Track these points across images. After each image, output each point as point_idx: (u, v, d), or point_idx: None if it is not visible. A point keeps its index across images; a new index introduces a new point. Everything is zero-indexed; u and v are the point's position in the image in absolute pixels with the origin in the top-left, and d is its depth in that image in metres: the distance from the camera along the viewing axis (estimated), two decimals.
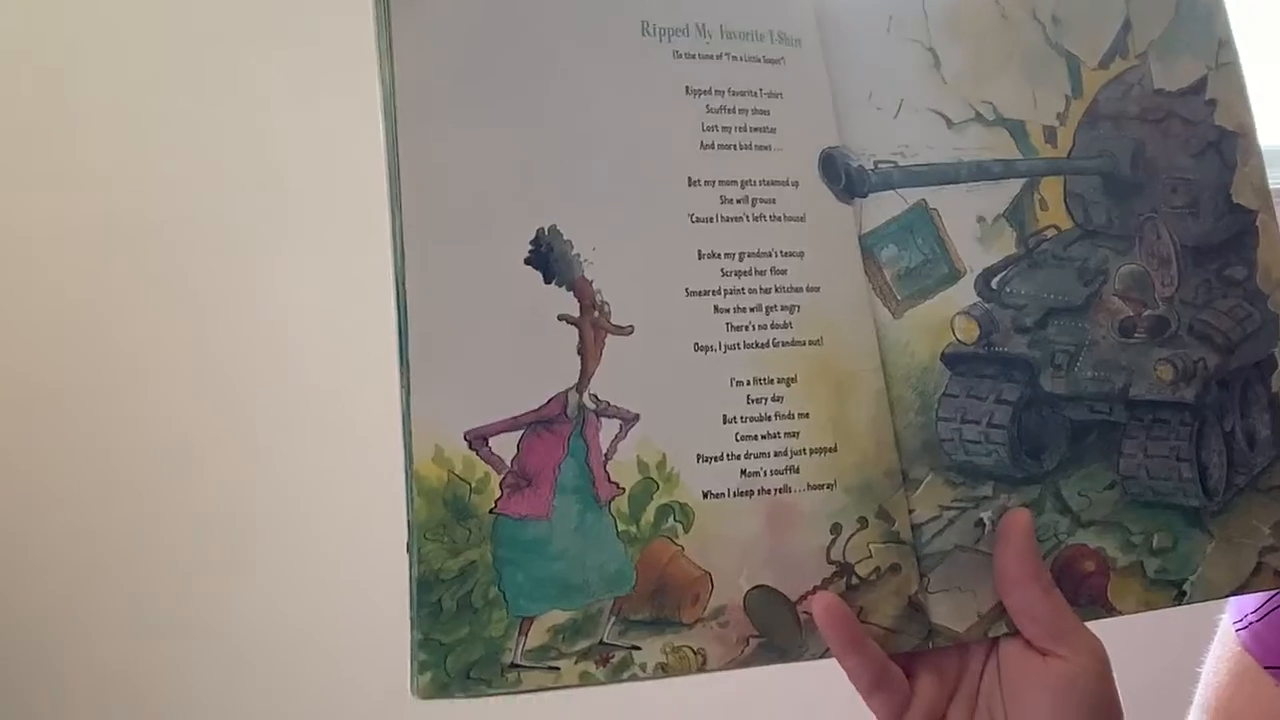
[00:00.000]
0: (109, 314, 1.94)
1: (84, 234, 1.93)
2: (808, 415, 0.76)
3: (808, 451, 0.76)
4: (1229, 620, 1.01)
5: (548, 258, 0.73)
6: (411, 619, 0.71)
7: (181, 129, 1.93)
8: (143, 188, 1.93)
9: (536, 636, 0.72)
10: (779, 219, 0.77)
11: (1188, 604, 0.82)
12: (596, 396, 0.73)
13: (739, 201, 0.77)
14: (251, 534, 1.97)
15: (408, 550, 0.71)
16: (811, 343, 0.77)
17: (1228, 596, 0.84)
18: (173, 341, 1.94)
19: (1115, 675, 0.77)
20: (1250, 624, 0.98)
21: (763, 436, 0.75)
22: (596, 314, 0.73)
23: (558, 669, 0.72)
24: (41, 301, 1.94)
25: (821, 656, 0.76)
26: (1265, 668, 0.97)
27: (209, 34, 1.93)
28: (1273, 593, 0.96)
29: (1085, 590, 0.80)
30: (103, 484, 1.96)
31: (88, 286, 1.95)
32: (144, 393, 1.93)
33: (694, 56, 0.78)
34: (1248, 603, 0.99)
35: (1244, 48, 0.89)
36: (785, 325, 0.76)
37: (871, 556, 0.77)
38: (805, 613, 0.75)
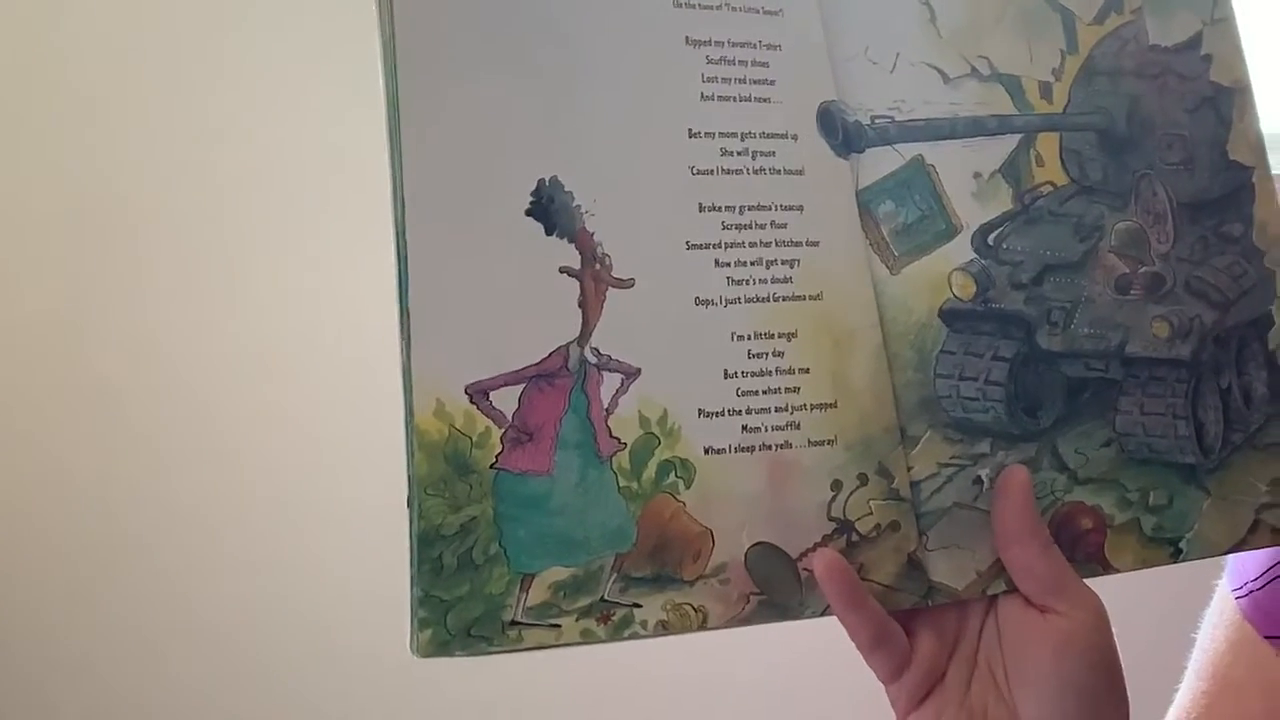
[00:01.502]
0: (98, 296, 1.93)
1: (71, 224, 1.92)
2: (808, 371, 0.76)
3: (808, 407, 0.76)
4: (1227, 586, 1.01)
5: (549, 209, 0.72)
6: (411, 576, 0.70)
7: (177, 91, 1.91)
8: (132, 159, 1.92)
9: (538, 593, 0.71)
10: (779, 172, 0.77)
11: (1184, 561, 0.82)
12: (598, 350, 0.72)
13: (739, 154, 0.76)
14: (251, 494, 1.95)
15: (408, 505, 0.70)
16: (812, 298, 0.76)
17: (1224, 554, 0.83)
18: (177, 293, 1.92)
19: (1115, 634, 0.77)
20: (1250, 591, 0.98)
21: (764, 392, 0.75)
22: (598, 266, 0.72)
23: (559, 626, 0.71)
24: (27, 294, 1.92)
25: (822, 614, 0.75)
26: (1265, 637, 0.97)
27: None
28: (1274, 560, 0.96)
29: (1082, 547, 0.80)
30: (104, 450, 1.94)
31: (74, 276, 1.93)
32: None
33: (694, 6, 0.77)
34: (1248, 569, 0.99)
35: (1240, 4, 0.88)
36: (786, 280, 0.76)
37: (872, 513, 0.76)
38: (806, 570, 0.75)
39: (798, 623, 0.77)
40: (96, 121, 1.93)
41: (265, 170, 1.93)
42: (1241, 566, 0.98)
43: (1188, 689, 1.00)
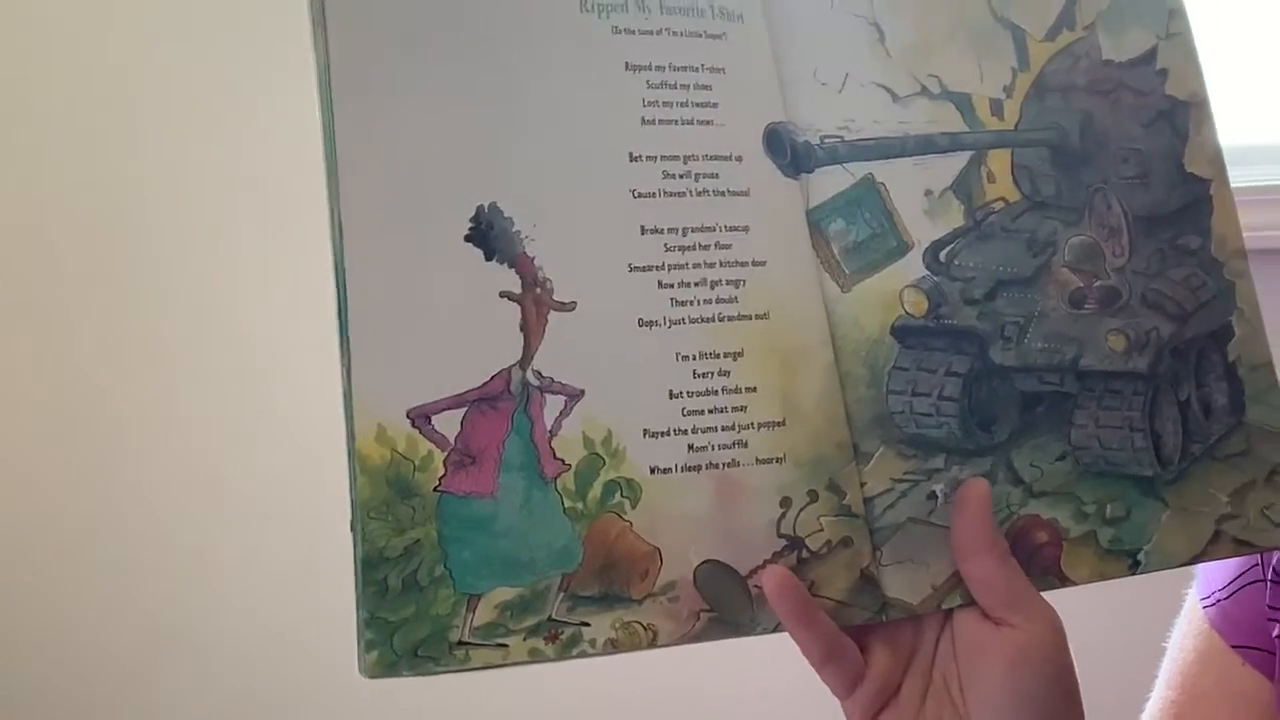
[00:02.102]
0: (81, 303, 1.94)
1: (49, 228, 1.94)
2: (755, 389, 0.76)
3: (756, 425, 0.76)
4: (1195, 596, 1.01)
5: (488, 235, 0.73)
6: (357, 598, 0.71)
7: (148, 122, 1.93)
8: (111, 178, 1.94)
9: (484, 614, 0.72)
10: (723, 194, 0.77)
11: (1143, 573, 0.82)
12: (540, 373, 0.73)
13: (681, 176, 0.77)
14: (198, 517, 1.96)
15: (351, 529, 0.71)
16: (758, 316, 0.77)
17: (1184, 565, 0.83)
18: (131, 331, 1.94)
19: (1078, 648, 0.77)
20: (1218, 601, 0.98)
21: (710, 411, 0.75)
22: (538, 290, 0.73)
23: (506, 646, 0.72)
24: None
25: (773, 631, 0.76)
26: (1233, 646, 0.97)
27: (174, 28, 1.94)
28: (1240, 570, 0.96)
29: (1038, 561, 0.80)
30: (69, 469, 1.96)
31: (56, 280, 1.95)
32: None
33: (634, 32, 0.78)
34: (1215, 579, 0.99)
35: (1196, 17, 0.89)
36: (731, 300, 0.76)
37: (822, 530, 0.77)
38: (756, 587, 0.75)
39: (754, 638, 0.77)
40: (85, 125, 1.94)
41: (240, 176, 1.94)
42: (1210, 577, 0.98)
43: (1157, 698, 1.00)
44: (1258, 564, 0.96)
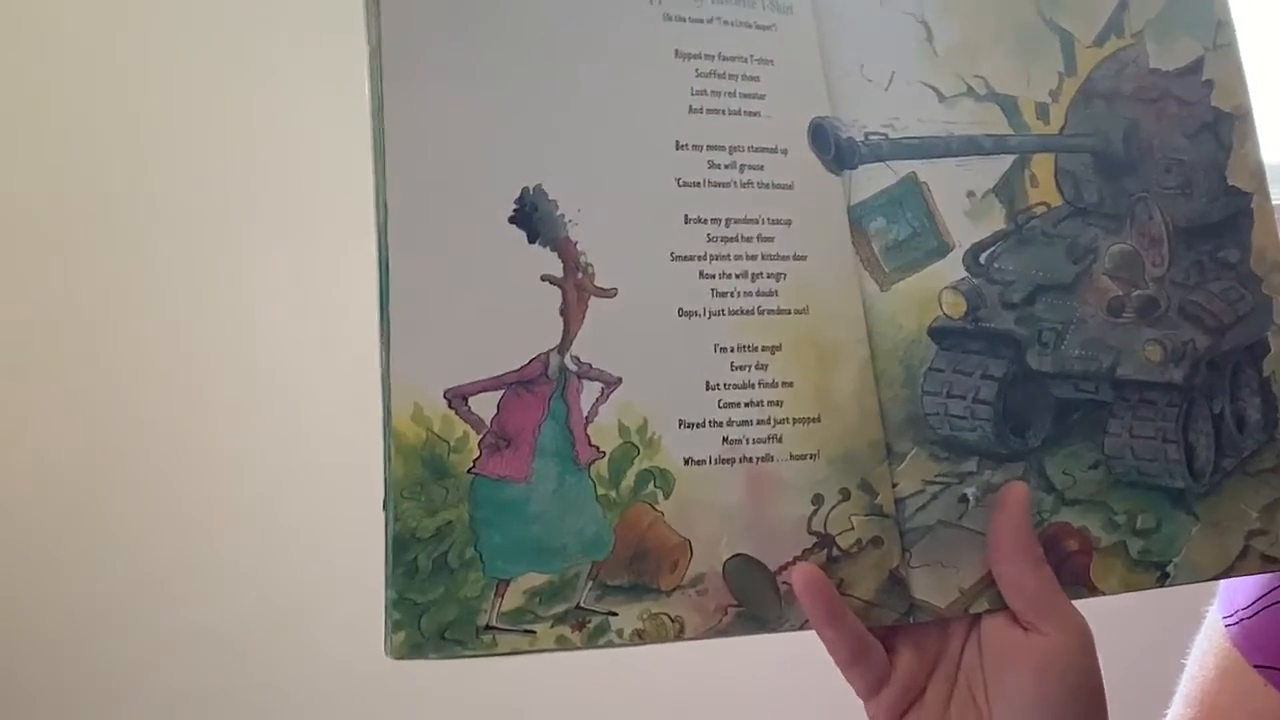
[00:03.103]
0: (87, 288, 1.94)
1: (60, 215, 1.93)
2: (792, 384, 0.76)
3: (791, 421, 0.76)
4: (1217, 613, 1.00)
5: (532, 217, 0.72)
6: (386, 578, 0.70)
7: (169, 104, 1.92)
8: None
9: (512, 599, 0.71)
10: (767, 186, 0.77)
11: (1171, 586, 0.82)
12: (578, 359, 0.72)
13: (727, 167, 0.76)
14: (230, 494, 1.96)
15: (384, 508, 0.70)
16: (797, 311, 0.76)
17: (1212, 580, 0.83)
18: (159, 299, 1.93)
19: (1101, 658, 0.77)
20: (1241, 620, 0.97)
21: (746, 404, 0.75)
22: (580, 275, 0.73)
23: (533, 632, 0.72)
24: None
25: (800, 628, 0.75)
26: (1254, 666, 0.96)
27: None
28: (1266, 589, 0.96)
29: (1068, 569, 0.79)
30: (83, 450, 1.95)
31: (63, 267, 1.94)
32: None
33: (685, 20, 0.77)
34: (1238, 597, 0.98)
35: (1243, 31, 0.88)
36: (771, 293, 0.76)
37: (853, 529, 0.76)
38: (785, 583, 0.75)
39: (779, 635, 0.77)
40: (94, 122, 1.94)
41: (259, 169, 1.93)
42: (1232, 594, 0.98)
43: (1175, 715, 1.00)
44: None
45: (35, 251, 1.94)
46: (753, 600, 0.75)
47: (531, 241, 0.73)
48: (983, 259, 0.81)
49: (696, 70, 0.77)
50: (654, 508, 0.73)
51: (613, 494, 0.73)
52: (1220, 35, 0.87)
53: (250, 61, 1.95)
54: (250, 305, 1.95)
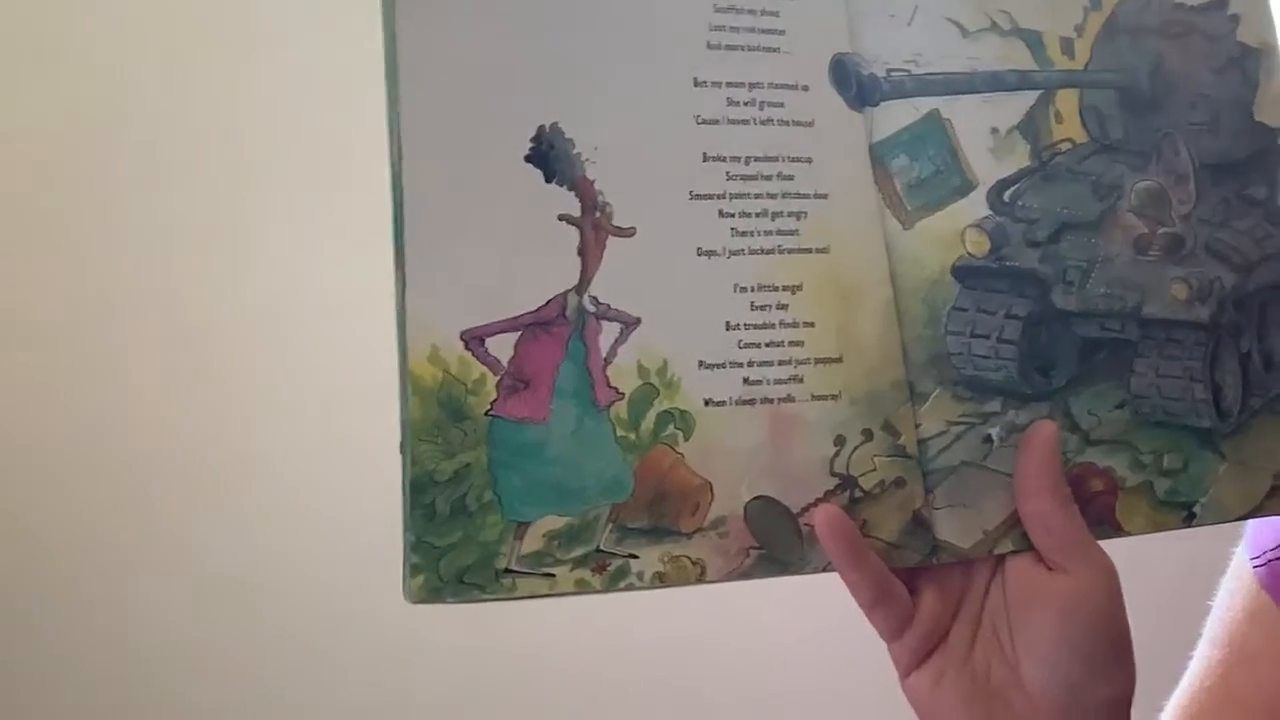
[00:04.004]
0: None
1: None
2: (813, 324, 0.75)
3: (812, 361, 0.75)
4: (1244, 554, 0.99)
5: (548, 155, 0.71)
6: (404, 521, 0.70)
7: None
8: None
9: (532, 542, 0.71)
10: (787, 123, 0.76)
11: (1197, 526, 0.81)
12: (596, 299, 0.72)
13: (746, 104, 0.75)
14: (247, 439, 1.95)
15: (401, 451, 0.69)
16: (818, 250, 0.75)
17: (1239, 520, 0.82)
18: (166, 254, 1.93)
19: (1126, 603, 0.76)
20: (1269, 560, 0.96)
21: (766, 344, 0.74)
22: (598, 214, 0.72)
23: (553, 575, 0.71)
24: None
25: (823, 570, 0.75)
26: None
27: None
28: None
29: (1093, 509, 0.78)
30: (93, 409, 1.95)
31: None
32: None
33: None
34: (1265, 538, 0.97)
35: None
36: (792, 232, 0.75)
37: (876, 470, 0.75)
38: (807, 525, 0.74)
39: (799, 579, 0.76)
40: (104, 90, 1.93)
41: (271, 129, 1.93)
42: (1259, 535, 0.97)
43: (1202, 657, 0.99)
44: None
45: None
46: (775, 542, 0.74)
47: (548, 180, 0.72)
48: (1007, 196, 0.80)
49: (714, 5, 0.76)
50: (674, 449, 0.73)
51: (632, 436, 0.72)
52: None
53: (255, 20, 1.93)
54: (261, 241, 1.94)
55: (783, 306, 0.74)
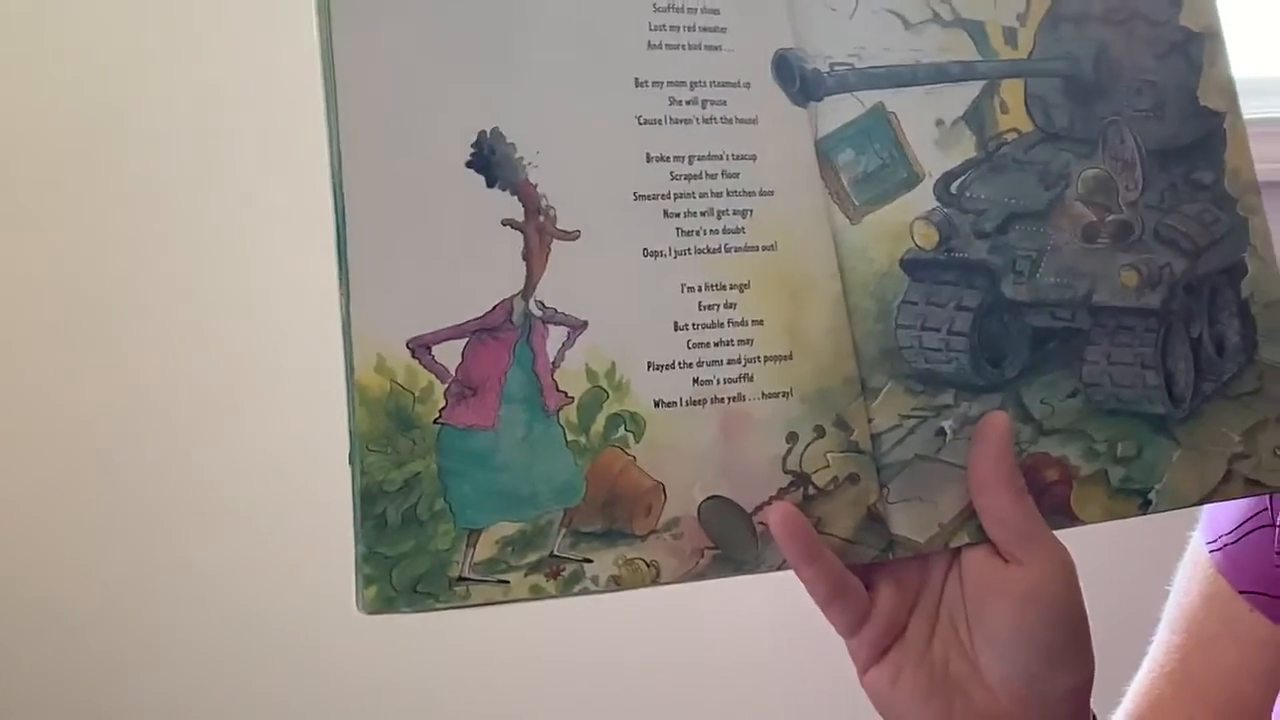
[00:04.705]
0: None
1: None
2: (762, 322, 0.75)
3: (762, 359, 0.74)
4: (1201, 539, 1.00)
5: (489, 160, 0.71)
6: (355, 532, 0.69)
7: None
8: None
9: (485, 549, 0.70)
10: (730, 121, 0.75)
11: (1153, 513, 0.81)
12: (543, 303, 0.71)
13: (688, 103, 0.75)
14: (196, 456, 1.95)
15: (350, 462, 0.69)
16: (765, 248, 0.75)
17: (1196, 505, 0.82)
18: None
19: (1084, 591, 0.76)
20: (1225, 545, 0.97)
21: (715, 344, 0.74)
22: (542, 218, 0.72)
23: (507, 582, 0.71)
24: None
25: (778, 568, 0.74)
26: (1239, 592, 0.96)
27: None
28: (1248, 514, 0.95)
29: (1048, 499, 0.78)
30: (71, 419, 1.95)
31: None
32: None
33: None
34: (1221, 522, 0.98)
35: None
36: (738, 230, 0.75)
37: (829, 466, 0.75)
38: (761, 523, 0.74)
39: (757, 578, 0.76)
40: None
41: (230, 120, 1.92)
42: (1215, 519, 0.97)
43: (1161, 642, 0.99)
44: (1266, 508, 0.94)
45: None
46: (729, 542, 0.74)
47: (490, 186, 0.71)
48: (954, 188, 0.80)
49: (654, 5, 0.75)
50: (625, 452, 0.72)
51: (583, 439, 0.72)
52: None
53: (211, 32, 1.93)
54: (213, 255, 1.94)
55: (731, 305, 0.74)
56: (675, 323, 0.73)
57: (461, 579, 0.70)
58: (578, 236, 0.72)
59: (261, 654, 2.01)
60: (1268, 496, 0.93)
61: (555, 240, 0.72)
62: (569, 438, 0.72)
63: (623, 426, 0.72)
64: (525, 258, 0.71)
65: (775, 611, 1.81)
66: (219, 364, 1.95)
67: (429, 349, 0.70)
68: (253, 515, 1.96)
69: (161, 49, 1.91)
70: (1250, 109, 0.85)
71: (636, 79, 0.74)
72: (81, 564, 1.98)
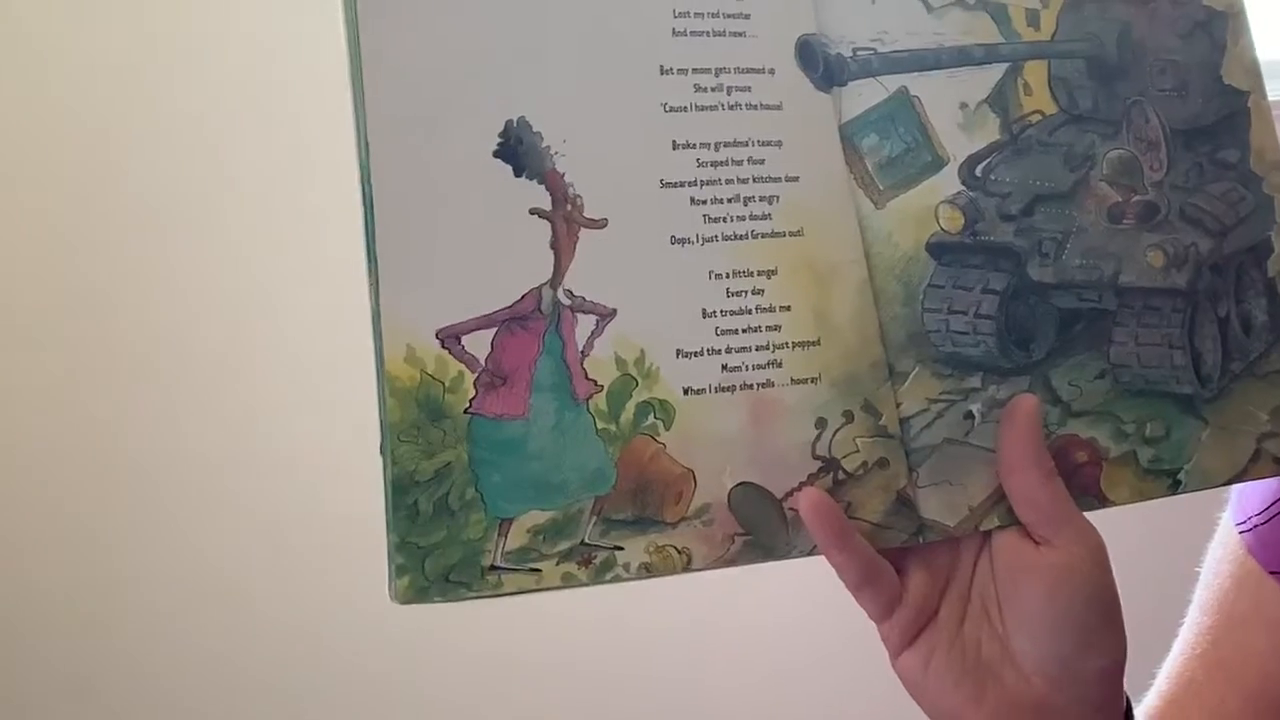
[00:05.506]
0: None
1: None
2: (789, 308, 0.75)
3: (790, 345, 0.74)
4: (1230, 520, 0.99)
5: (516, 150, 0.71)
6: (387, 522, 0.69)
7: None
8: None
9: (516, 538, 0.70)
10: (755, 107, 0.75)
11: (1183, 493, 0.81)
12: (571, 292, 0.71)
13: (713, 90, 0.75)
14: (226, 443, 1.95)
15: (381, 453, 0.69)
16: (792, 234, 0.75)
17: (1225, 485, 0.82)
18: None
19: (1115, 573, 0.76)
20: (1255, 526, 0.97)
21: (743, 330, 0.74)
22: (569, 207, 0.72)
23: (539, 570, 0.71)
24: None
25: (809, 554, 0.75)
26: (1270, 572, 0.96)
27: None
28: (1278, 494, 0.95)
29: (1077, 481, 0.78)
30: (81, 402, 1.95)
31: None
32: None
33: None
34: (1251, 503, 0.97)
35: None
36: (764, 216, 0.75)
37: (858, 451, 0.75)
38: (791, 509, 0.74)
39: (789, 564, 0.76)
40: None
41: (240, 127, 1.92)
42: (1245, 500, 0.97)
43: (1192, 624, 0.99)
44: None
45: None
46: (760, 528, 0.74)
47: (518, 175, 0.71)
48: (979, 171, 0.80)
49: None
50: (655, 439, 0.72)
51: (613, 427, 0.72)
52: None
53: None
54: (242, 252, 1.94)
55: (758, 292, 0.74)
56: (703, 310, 0.73)
57: (494, 568, 0.70)
58: (605, 225, 0.72)
59: (276, 653, 2.01)
60: None
61: (583, 229, 0.72)
62: (599, 426, 0.72)
63: (652, 414, 0.72)
64: (553, 246, 0.71)
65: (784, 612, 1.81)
66: (236, 359, 1.95)
67: (458, 339, 0.70)
68: (268, 513, 1.97)
69: (177, 40, 1.91)
70: (1274, 90, 0.85)
71: (662, 66, 0.74)
72: (97, 564, 1.98)
